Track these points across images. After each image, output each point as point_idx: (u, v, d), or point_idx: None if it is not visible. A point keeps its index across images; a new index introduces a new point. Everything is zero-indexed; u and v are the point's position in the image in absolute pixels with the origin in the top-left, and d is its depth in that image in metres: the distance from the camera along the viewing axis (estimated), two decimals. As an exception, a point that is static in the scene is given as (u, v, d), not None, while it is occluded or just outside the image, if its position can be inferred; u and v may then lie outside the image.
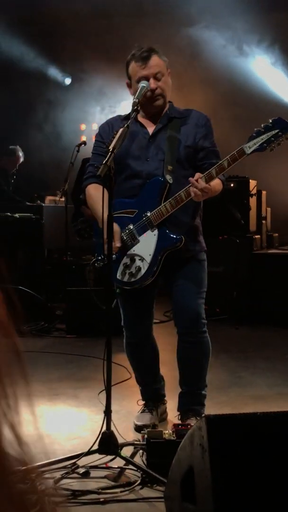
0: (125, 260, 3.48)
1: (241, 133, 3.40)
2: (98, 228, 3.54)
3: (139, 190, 3.49)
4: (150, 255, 3.43)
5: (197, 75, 9.36)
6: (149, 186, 3.46)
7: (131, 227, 3.48)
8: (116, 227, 3.37)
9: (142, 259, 3.45)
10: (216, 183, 3.36)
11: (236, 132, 7.31)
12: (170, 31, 9.12)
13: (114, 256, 3.34)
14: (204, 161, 3.50)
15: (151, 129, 3.57)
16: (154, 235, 3.43)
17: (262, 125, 3.17)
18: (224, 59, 9.45)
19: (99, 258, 3.57)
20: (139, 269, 3.45)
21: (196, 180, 3.21)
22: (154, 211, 3.41)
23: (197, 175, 3.24)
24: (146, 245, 3.44)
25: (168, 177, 3.42)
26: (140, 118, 3.60)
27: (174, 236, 3.41)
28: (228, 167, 3.27)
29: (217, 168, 3.27)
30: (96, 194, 3.49)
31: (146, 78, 3.44)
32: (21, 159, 8.39)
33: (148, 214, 3.43)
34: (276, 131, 3.14)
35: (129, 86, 3.56)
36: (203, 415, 3.41)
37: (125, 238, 3.49)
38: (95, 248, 3.64)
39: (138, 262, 3.46)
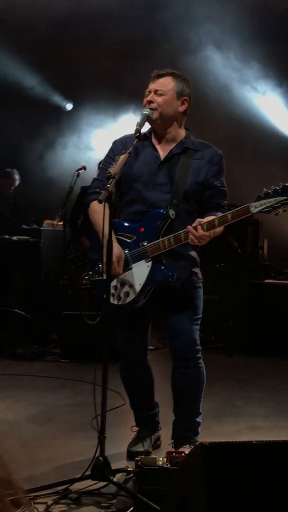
0: (115, 283, 3.48)
1: (244, 169, 3.40)
2: (96, 244, 3.52)
3: (141, 216, 3.51)
4: (140, 284, 3.44)
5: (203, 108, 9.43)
6: (151, 216, 3.47)
7: (127, 251, 3.49)
8: (120, 252, 3.39)
9: (131, 286, 3.46)
10: (219, 231, 3.40)
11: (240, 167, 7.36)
12: (171, 60, 9.21)
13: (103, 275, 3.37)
14: (210, 199, 3.51)
15: (162, 153, 3.57)
16: (148, 266, 3.44)
17: (272, 187, 3.17)
18: (230, 92, 9.53)
19: (90, 273, 3.59)
20: (126, 294, 3.47)
21: (195, 228, 3.24)
22: (152, 243, 3.42)
23: (197, 221, 3.26)
24: (138, 274, 3.45)
25: (171, 212, 3.43)
26: (154, 140, 3.61)
27: (167, 273, 3.42)
28: (232, 220, 3.27)
29: (220, 219, 3.28)
30: (99, 210, 3.47)
31: (150, 92, 3.52)
32: (17, 182, 8.30)
33: (146, 244, 3.44)
34: (284, 198, 3.13)
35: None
36: (197, 442, 3.40)
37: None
38: (90, 264, 3.64)
39: (126, 288, 3.47)
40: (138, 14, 9.13)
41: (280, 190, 3.15)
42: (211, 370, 3.75)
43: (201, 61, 9.28)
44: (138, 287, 3.44)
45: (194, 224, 3.25)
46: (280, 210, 3.17)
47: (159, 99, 3.50)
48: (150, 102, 3.49)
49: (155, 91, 3.50)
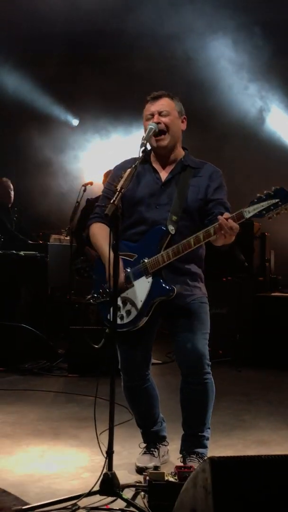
0: (118, 302, 3.47)
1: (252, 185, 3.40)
2: (99, 266, 3.57)
3: (143, 236, 3.53)
4: (141, 301, 3.44)
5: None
6: (151, 233, 3.49)
7: (128, 270, 3.50)
8: (122, 270, 3.40)
9: (133, 303, 3.46)
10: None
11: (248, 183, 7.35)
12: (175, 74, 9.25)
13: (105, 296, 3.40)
14: (212, 210, 3.50)
15: (163, 174, 3.61)
16: (148, 282, 3.44)
17: (264, 192, 3.17)
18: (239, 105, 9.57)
19: (95, 295, 3.59)
20: (129, 313, 3.47)
21: (226, 219, 3.20)
22: (152, 258, 3.43)
23: (226, 214, 3.24)
24: (139, 291, 3.46)
25: (170, 227, 3.44)
26: (154, 163, 3.64)
27: (167, 287, 3.41)
28: None
29: (215, 227, 3.26)
30: (100, 232, 3.56)
31: (152, 114, 3.52)
32: (11, 186, 8.16)
33: (146, 260, 3.45)
34: (277, 200, 3.13)
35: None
36: (205, 457, 3.39)
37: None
38: (93, 286, 3.65)
39: (129, 306, 3.47)
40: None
41: (272, 193, 3.15)
42: (219, 384, 3.73)
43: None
44: (139, 304, 3.44)
45: (224, 216, 3.22)
46: (273, 214, 3.17)
47: (165, 120, 3.53)
48: (156, 123, 3.50)
49: (159, 113, 3.52)
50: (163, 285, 3.42)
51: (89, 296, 3.66)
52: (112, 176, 3.69)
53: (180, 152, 3.65)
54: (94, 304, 3.68)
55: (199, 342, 3.54)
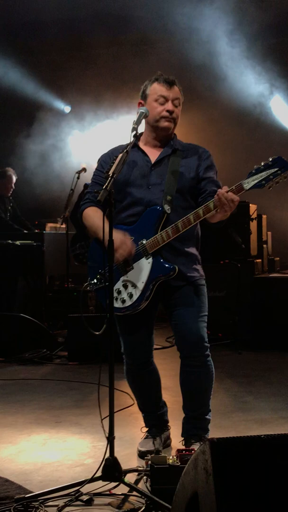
0: (118, 285, 3.49)
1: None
2: (94, 252, 3.57)
3: (138, 217, 3.51)
4: (142, 282, 3.44)
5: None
6: (147, 214, 3.48)
7: None
8: (123, 236, 3.39)
9: (134, 285, 3.45)
10: None
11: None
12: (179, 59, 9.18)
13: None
14: (205, 188, 3.51)
15: (153, 157, 3.60)
16: (148, 263, 3.44)
17: (262, 163, 3.18)
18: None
19: (92, 282, 3.58)
20: (131, 295, 3.46)
21: (226, 192, 3.18)
22: (150, 239, 3.42)
23: (225, 187, 3.22)
24: (140, 272, 3.45)
25: (166, 207, 3.44)
26: (142, 146, 3.63)
27: (168, 266, 3.42)
28: None
29: (215, 201, 3.23)
30: (94, 214, 3.54)
31: (166, 99, 3.50)
32: (14, 179, 8.23)
33: (144, 242, 3.44)
34: (276, 169, 3.14)
35: (141, 106, 3.58)
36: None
37: (120, 264, 3.49)
38: (89, 273, 3.64)
39: (130, 289, 3.47)
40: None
41: (270, 163, 3.16)
42: (219, 367, 3.75)
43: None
44: (141, 285, 3.43)
45: (223, 189, 3.20)
46: (272, 183, 3.17)
47: (177, 110, 3.55)
48: (170, 111, 3.50)
49: (173, 102, 3.53)
50: (165, 264, 3.42)
51: (85, 284, 3.65)
52: (100, 163, 3.69)
53: (171, 134, 3.65)
54: (92, 291, 3.66)
55: (197, 324, 3.53)
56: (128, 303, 3.46)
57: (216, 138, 9.05)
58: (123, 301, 3.47)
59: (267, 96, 9.58)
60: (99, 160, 3.75)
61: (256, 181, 3.17)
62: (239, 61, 9.29)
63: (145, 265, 3.44)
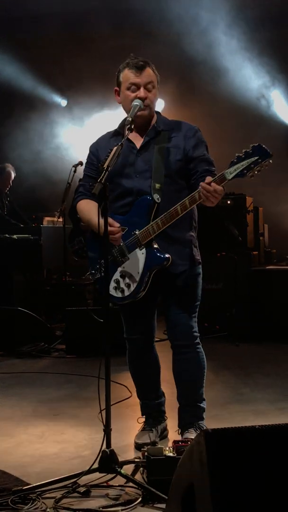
0: (116, 276, 3.53)
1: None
2: (93, 242, 3.60)
3: (130, 207, 3.52)
4: (138, 273, 3.46)
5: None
6: (138, 205, 3.49)
7: (121, 243, 3.50)
8: (113, 222, 3.39)
9: (131, 276, 3.48)
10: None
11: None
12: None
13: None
14: (196, 169, 3.46)
15: (138, 143, 3.58)
16: (142, 253, 3.46)
17: (243, 151, 3.14)
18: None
19: (93, 272, 3.61)
20: (128, 285, 3.49)
21: (209, 184, 3.16)
22: (142, 230, 3.44)
23: (208, 179, 3.20)
24: (135, 262, 3.47)
25: (156, 196, 3.43)
26: (126, 132, 3.60)
27: (161, 256, 3.43)
28: None
29: (199, 192, 3.22)
30: (88, 206, 3.58)
31: (137, 86, 3.45)
32: (13, 175, 8.24)
33: (137, 232, 3.46)
34: (256, 158, 3.10)
35: (117, 93, 3.57)
36: (203, 428, 3.42)
37: (115, 254, 3.51)
38: (90, 263, 3.67)
39: (127, 279, 3.50)
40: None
41: (250, 151, 3.11)
42: (217, 359, 3.77)
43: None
44: (137, 276, 3.46)
45: (206, 181, 3.18)
46: (254, 171, 3.13)
47: (151, 95, 3.49)
48: (143, 99, 3.45)
49: (145, 86, 3.47)
50: (158, 254, 3.43)
51: (87, 273, 3.69)
52: (89, 155, 3.70)
53: (151, 117, 3.60)
54: (90, 285, 3.70)
55: (186, 315, 3.58)
56: (127, 293, 3.50)
57: (215, 130, 9.03)
58: (122, 291, 3.51)
59: (268, 89, 9.55)
60: (89, 151, 3.75)
61: (238, 171, 3.12)
62: (239, 53, 9.26)
63: (139, 255, 3.46)
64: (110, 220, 3.30)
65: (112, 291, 3.52)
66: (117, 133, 3.60)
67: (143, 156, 3.55)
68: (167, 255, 3.43)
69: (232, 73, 9.38)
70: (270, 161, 3.11)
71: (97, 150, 3.62)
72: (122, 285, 3.51)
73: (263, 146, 3.10)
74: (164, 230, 3.41)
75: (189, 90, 9.33)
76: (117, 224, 3.43)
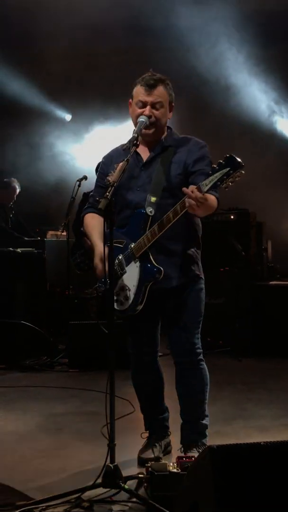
0: (116, 289, 3.53)
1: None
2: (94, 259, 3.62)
3: (129, 220, 3.56)
4: (134, 286, 3.48)
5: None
6: (134, 218, 3.52)
7: (120, 257, 3.53)
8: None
9: (128, 289, 3.50)
10: (211, 199, 3.32)
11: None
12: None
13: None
14: (193, 182, 3.40)
15: (145, 156, 3.61)
16: (137, 266, 3.48)
17: (218, 162, 3.13)
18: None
19: (100, 284, 3.64)
20: (126, 298, 3.51)
21: (192, 191, 3.16)
22: (136, 243, 3.47)
23: (191, 186, 3.20)
24: (131, 276, 3.50)
25: (149, 209, 3.45)
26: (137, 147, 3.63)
27: (153, 269, 3.44)
28: None
29: (180, 205, 3.26)
30: (92, 222, 3.62)
31: (144, 104, 3.49)
32: (17, 190, 8.31)
33: (132, 245, 3.49)
34: (227, 169, 3.08)
35: (130, 105, 3.60)
36: (205, 445, 3.41)
37: (116, 267, 3.53)
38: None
39: (125, 292, 3.52)
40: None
41: (223, 162, 3.10)
42: (220, 374, 3.77)
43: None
44: (133, 289, 3.48)
45: (189, 189, 3.17)
46: (228, 183, 3.12)
47: (157, 113, 3.51)
48: (148, 116, 3.48)
49: (153, 105, 3.49)
50: (150, 266, 3.45)
51: (95, 286, 3.71)
52: (101, 165, 3.73)
53: (158, 135, 3.61)
54: (93, 299, 3.72)
55: (189, 331, 3.59)
56: (125, 305, 3.51)
57: (224, 146, 9.02)
58: (121, 304, 3.52)
59: (277, 105, 9.55)
60: (100, 161, 3.78)
61: (212, 183, 3.12)
62: (248, 70, 9.29)
63: (134, 269, 3.49)
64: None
65: (116, 306, 3.54)
66: (128, 147, 3.61)
67: (146, 170, 3.58)
68: (158, 268, 3.43)
69: (242, 90, 9.40)
70: (242, 171, 3.09)
71: (110, 162, 3.61)
72: (121, 298, 3.53)
73: (235, 157, 3.08)
74: (162, 243, 3.43)
75: (199, 107, 9.34)
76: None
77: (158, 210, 3.44)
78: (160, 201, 3.47)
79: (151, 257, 3.46)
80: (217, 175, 3.10)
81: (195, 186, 3.18)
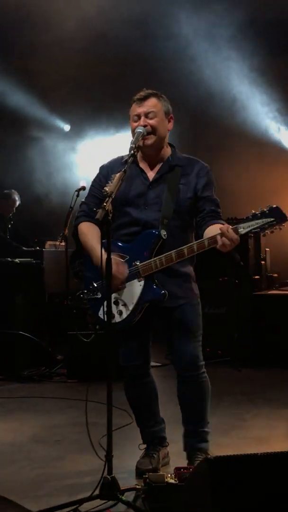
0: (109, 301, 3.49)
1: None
2: (89, 262, 3.62)
3: (135, 237, 3.53)
4: (133, 303, 3.46)
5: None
6: (144, 237, 3.49)
7: None
8: (119, 265, 3.41)
9: (125, 304, 3.48)
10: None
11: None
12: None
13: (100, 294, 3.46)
14: (203, 207, 3.51)
15: (150, 174, 3.61)
16: (140, 285, 3.46)
17: (259, 209, 3.15)
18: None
19: (85, 291, 3.61)
20: (120, 313, 3.49)
21: (227, 231, 3.16)
22: (144, 263, 3.43)
23: (227, 226, 3.20)
24: (131, 292, 3.47)
25: (163, 232, 3.45)
26: (141, 163, 3.63)
27: (158, 292, 3.42)
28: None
29: (208, 240, 3.26)
30: (90, 232, 3.58)
31: (139, 116, 3.51)
32: (17, 203, 8.37)
33: (138, 263, 3.46)
34: (272, 219, 3.11)
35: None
36: (208, 455, 3.40)
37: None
38: (84, 282, 3.67)
39: (121, 307, 3.49)
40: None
41: (267, 211, 3.13)
42: (219, 384, 3.76)
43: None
44: (131, 306, 3.46)
45: (225, 228, 3.18)
46: (267, 231, 3.16)
47: (152, 122, 3.51)
48: (144, 126, 3.49)
49: (146, 115, 3.51)
50: (155, 288, 3.43)
51: (79, 292, 3.67)
52: (98, 176, 3.72)
53: (166, 151, 3.64)
54: (75, 298, 3.69)
55: (191, 345, 3.59)
56: (117, 319, 3.49)
57: (228, 160, 9.01)
58: (113, 317, 3.49)
59: (280, 121, 9.55)
60: (98, 171, 3.76)
61: (251, 228, 3.15)
62: (251, 85, 9.30)
63: (136, 287, 3.46)
64: (118, 267, 3.36)
65: (101, 314, 3.50)
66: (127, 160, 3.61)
67: (154, 189, 3.57)
68: (164, 291, 3.42)
69: (246, 105, 9.41)
70: (283, 224, 3.13)
71: (107, 173, 3.59)
72: (114, 311, 3.49)
73: (281, 209, 3.12)
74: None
75: (203, 123, 9.34)
76: (125, 271, 3.44)
77: (169, 233, 3.46)
78: (170, 222, 3.48)
79: (154, 277, 3.45)
80: (259, 222, 3.13)
81: (231, 226, 3.19)
